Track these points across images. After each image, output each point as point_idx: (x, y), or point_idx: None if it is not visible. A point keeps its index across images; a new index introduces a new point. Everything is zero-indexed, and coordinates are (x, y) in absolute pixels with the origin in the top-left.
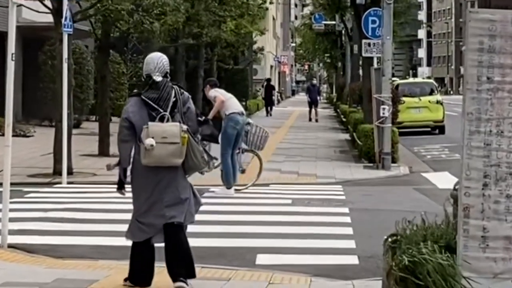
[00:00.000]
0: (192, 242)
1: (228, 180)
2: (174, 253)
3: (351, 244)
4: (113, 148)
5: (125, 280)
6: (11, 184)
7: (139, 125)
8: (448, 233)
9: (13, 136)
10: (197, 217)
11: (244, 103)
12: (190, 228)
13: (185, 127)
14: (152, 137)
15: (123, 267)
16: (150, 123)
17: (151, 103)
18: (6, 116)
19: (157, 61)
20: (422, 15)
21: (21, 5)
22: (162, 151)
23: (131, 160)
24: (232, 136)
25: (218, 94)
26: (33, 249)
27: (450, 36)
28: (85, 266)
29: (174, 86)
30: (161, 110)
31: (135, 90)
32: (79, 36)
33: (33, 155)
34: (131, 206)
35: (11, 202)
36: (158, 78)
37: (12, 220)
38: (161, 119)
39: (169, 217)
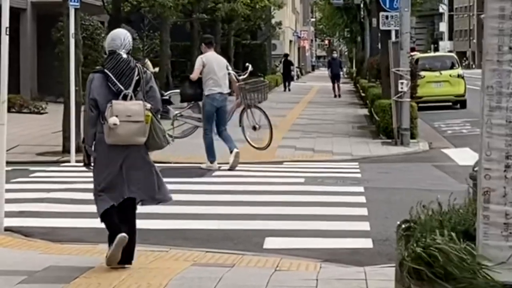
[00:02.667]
0: (197, 224)
1: (210, 154)
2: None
3: (365, 226)
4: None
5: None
6: (18, 163)
7: (102, 103)
8: (467, 219)
9: (26, 113)
10: (204, 197)
11: (262, 79)
12: (195, 210)
13: (148, 105)
14: (116, 116)
15: None
16: (114, 101)
17: (113, 78)
18: (1, 93)
19: (123, 38)
20: None
21: None
22: (126, 130)
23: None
24: (211, 113)
25: (197, 66)
26: (31, 233)
27: (471, 10)
28: (83, 251)
29: (137, 64)
30: (123, 88)
31: (97, 67)
32: (93, 11)
33: (44, 132)
34: None
35: (15, 182)
36: (123, 54)
37: (12, 201)
38: (124, 98)
39: (130, 194)
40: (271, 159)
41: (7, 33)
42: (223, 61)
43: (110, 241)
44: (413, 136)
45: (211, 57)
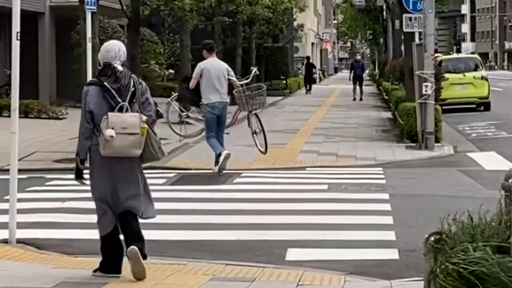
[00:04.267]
0: (216, 235)
1: (216, 149)
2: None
3: (391, 235)
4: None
5: (95, 271)
6: (34, 170)
7: (98, 115)
8: (500, 232)
9: (45, 118)
10: (223, 205)
11: (284, 82)
12: (214, 219)
13: (144, 117)
14: (112, 128)
15: None
16: (109, 113)
17: (113, 92)
18: (12, 100)
19: (117, 49)
20: None
21: None
22: (122, 142)
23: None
24: (212, 120)
25: (195, 75)
26: (44, 245)
27: (494, 11)
28: (97, 265)
29: (132, 76)
30: (120, 100)
31: (92, 79)
32: (113, 15)
33: (62, 138)
34: (158, 194)
35: (29, 191)
36: (119, 66)
37: (26, 211)
38: (120, 109)
39: (125, 207)
40: (293, 165)
41: (18, 38)
42: (223, 67)
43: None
44: (437, 140)
45: (210, 64)
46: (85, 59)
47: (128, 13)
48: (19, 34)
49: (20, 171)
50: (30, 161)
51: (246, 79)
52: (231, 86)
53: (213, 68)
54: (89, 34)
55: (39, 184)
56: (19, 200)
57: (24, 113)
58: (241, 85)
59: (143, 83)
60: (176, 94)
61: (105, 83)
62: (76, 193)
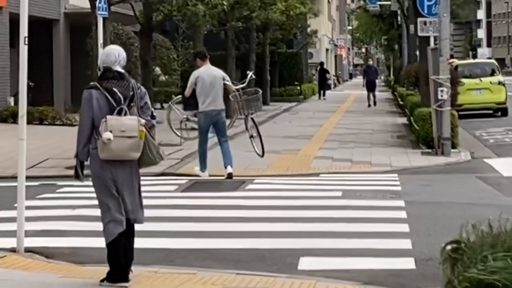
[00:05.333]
0: (227, 243)
1: (202, 163)
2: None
3: (407, 244)
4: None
5: (102, 281)
6: (46, 177)
7: (98, 118)
8: None
9: (59, 125)
10: (234, 213)
11: (298, 87)
12: (225, 227)
13: (143, 121)
14: (110, 131)
15: (148, 275)
16: (108, 116)
17: (112, 95)
18: (20, 106)
19: (117, 54)
20: None
21: None
22: (120, 145)
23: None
24: (205, 128)
25: (189, 84)
26: (53, 253)
27: (510, 16)
28: None
29: (131, 80)
30: (121, 103)
31: (91, 83)
32: (127, 21)
33: (75, 145)
34: (168, 201)
35: (40, 198)
36: (119, 71)
37: (36, 219)
38: (119, 113)
39: (129, 215)
40: (307, 171)
41: (26, 43)
42: (219, 74)
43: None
44: (454, 146)
45: (205, 73)
46: (97, 65)
47: (141, 19)
48: (26, 39)
49: (32, 178)
50: (42, 168)
51: (242, 83)
52: (227, 91)
53: (208, 76)
54: (100, 40)
55: (50, 191)
56: (29, 207)
57: (39, 120)
58: (237, 90)
59: (142, 87)
60: (177, 97)
61: (104, 87)
62: (86, 200)
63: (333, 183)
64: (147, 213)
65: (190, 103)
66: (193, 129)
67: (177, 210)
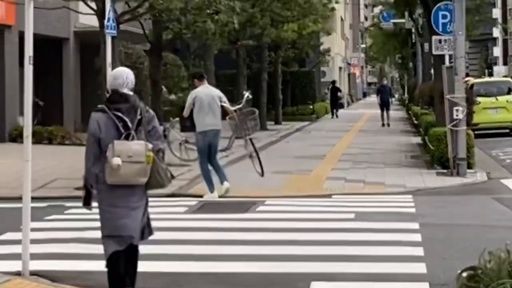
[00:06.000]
0: (236, 266)
1: (208, 185)
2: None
3: (421, 268)
4: (169, 156)
5: None
6: (54, 198)
7: (105, 142)
8: None
9: (69, 145)
10: (244, 235)
11: (311, 107)
12: (235, 250)
13: (150, 145)
14: (118, 156)
15: None
16: (115, 141)
17: (119, 119)
18: (25, 127)
19: (125, 77)
20: (497, 13)
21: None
22: (128, 170)
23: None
24: (204, 148)
25: (187, 104)
26: (59, 277)
27: None
28: None
29: (140, 103)
30: (128, 127)
31: (99, 105)
32: (137, 40)
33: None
34: (177, 223)
35: (47, 220)
36: (126, 93)
37: (42, 241)
38: (127, 137)
39: (132, 238)
40: (319, 192)
41: (31, 62)
42: (216, 94)
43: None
44: (469, 166)
45: (202, 93)
46: (105, 85)
47: (150, 37)
48: (31, 58)
49: (40, 198)
50: (51, 189)
51: (239, 104)
52: (224, 112)
53: (205, 96)
54: (109, 59)
55: (58, 212)
56: (36, 229)
57: (48, 139)
58: (234, 111)
59: (150, 111)
60: (175, 119)
61: (112, 110)
62: (95, 222)
63: (346, 205)
64: (155, 235)
65: (188, 124)
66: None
67: (186, 233)
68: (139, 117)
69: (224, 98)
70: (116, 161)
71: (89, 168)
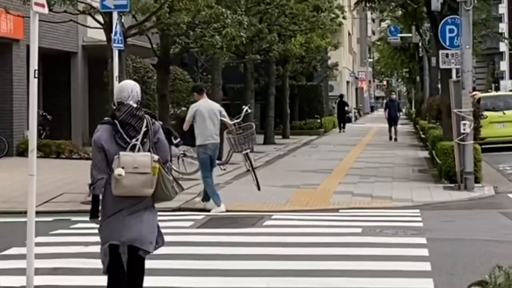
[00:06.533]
0: (244, 282)
1: (215, 199)
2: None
3: (428, 283)
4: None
5: None
6: (60, 212)
7: (110, 154)
8: None
9: (76, 159)
10: (252, 250)
11: (318, 120)
12: (242, 265)
13: (156, 157)
14: (123, 167)
15: None
16: (121, 152)
17: (125, 131)
18: (30, 141)
19: (131, 89)
20: (503, 27)
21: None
22: (133, 181)
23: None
24: (206, 161)
25: (188, 117)
26: None
27: None
28: None
29: (145, 115)
30: (132, 139)
31: (106, 118)
32: (146, 54)
33: None
34: (184, 238)
35: (53, 234)
36: (132, 105)
37: (47, 256)
38: (132, 149)
39: (135, 242)
40: (326, 206)
41: (36, 75)
42: (216, 108)
43: None
44: (477, 180)
45: (203, 106)
46: (112, 98)
47: (158, 51)
48: (36, 72)
49: (46, 213)
50: (57, 203)
51: (237, 118)
52: (223, 126)
53: (206, 110)
54: (116, 72)
55: (64, 227)
56: (42, 244)
57: (56, 153)
58: (233, 125)
59: (156, 123)
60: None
61: (117, 122)
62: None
63: (353, 219)
64: (161, 250)
65: (187, 137)
66: (194, 158)
67: (192, 248)
68: (144, 129)
69: (224, 112)
70: (119, 171)
71: (94, 176)
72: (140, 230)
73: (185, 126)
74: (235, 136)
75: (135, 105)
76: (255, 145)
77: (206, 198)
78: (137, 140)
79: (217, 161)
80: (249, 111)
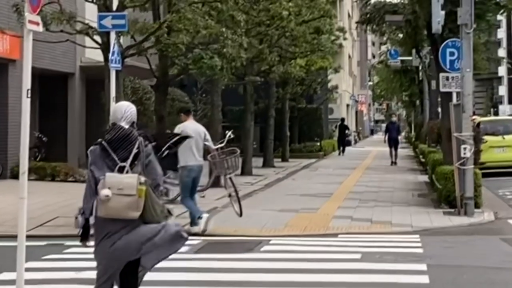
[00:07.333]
0: None
1: (196, 213)
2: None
3: None
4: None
5: None
6: (53, 237)
7: (99, 175)
8: None
9: (71, 181)
10: (248, 277)
11: (318, 143)
12: None
13: (143, 179)
14: (109, 188)
15: None
16: (107, 174)
17: (115, 152)
18: (21, 163)
19: (124, 110)
20: (502, 52)
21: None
22: (117, 203)
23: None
24: (188, 183)
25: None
26: None
27: None
28: None
29: (139, 137)
30: (120, 161)
31: (99, 140)
32: (144, 75)
33: None
34: (180, 264)
35: (45, 260)
36: (124, 126)
37: (38, 282)
38: (121, 170)
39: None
40: (325, 231)
41: (29, 95)
42: (201, 130)
43: None
44: (477, 205)
45: (190, 127)
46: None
47: (156, 72)
48: (29, 91)
49: (39, 237)
50: (51, 227)
51: (221, 143)
52: (206, 151)
53: (192, 131)
54: (113, 93)
55: (57, 251)
56: (33, 269)
57: (51, 176)
58: (216, 149)
59: (149, 145)
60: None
61: (105, 144)
62: (93, 262)
63: (352, 245)
64: (157, 276)
65: (169, 161)
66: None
67: (188, 274)
68: (135, 150)
69: (208, 136)
70: (104, 192)
71: (84, 201)
72: (129, 243)
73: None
74: (218, 160)
75: (127, 126)
76: (238, 169)
77: (195, 222)
78: (126, 162)
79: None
80: (232, 136)
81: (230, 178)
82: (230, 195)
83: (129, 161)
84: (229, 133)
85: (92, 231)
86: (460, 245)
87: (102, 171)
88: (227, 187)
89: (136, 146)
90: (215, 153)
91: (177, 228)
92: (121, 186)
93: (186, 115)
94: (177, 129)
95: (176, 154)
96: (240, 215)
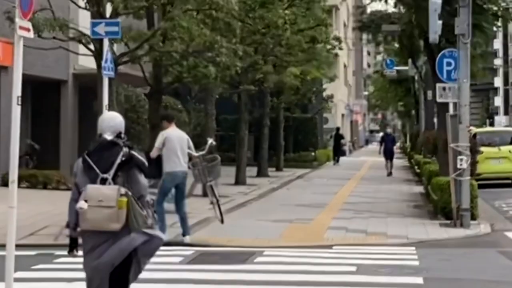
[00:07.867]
0: None
1: (161, 222)
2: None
3: None
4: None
5: None
6: (44, 246)
7: (81, 186)
8: None
9: (63, 189)
10: None
11: (313, 153)
12: None
13: (123, 190)
14: (86, 200)
15: None
16: (89, 185)
17: (96, 164)
18: (11, 171)
19: (109, 120)
20: (498, 63)
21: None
22: (97, 215)
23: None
24: (168, 189)
25: (157, 144)
26: None
27: None
28: None
29: (124, 147)
30: (105, 172)
31: (86, 151)
32: (138, 83)
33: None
34: (172, 275)
35: (35, 269)
36: (107, 138)
37: None
38: (103, 182)
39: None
40: (320, 242)
41: (19, 103)
42: (184, 137)
43: None
44: (473, 217)
45: (173, 134)
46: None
47: (150, 80)
48: (19, 98)
49: (29, 246)
50: (41, 236)
51: (202, 150)
52: (188, 158)
53: (176, 137)
54: (105, 101)
55: (47, 261)
56: (22, 279)
57: (43, 184)
58: (197, 157)
59: (135, 157)
60: None
61: (86, 155)
62: (83, 273)
63: (347, 257)
64: (149, 287)
65: (152, 168)
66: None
67: (181, 285)
68: (118, 161)
69: (191, 143)
70: (80, 204)
71: (69, 212)
72: (115, 251)
73: (154, 153)
74: (199, 168)
75: (110, 138)
76: (219, 177)
77: (187, 232)
78: (108, 173)
79: None
80: (214, 143)
81: (211, 186)
82: (211, 203)
83: (111, 172)
84: (210, 141)
85: (80, 241)
86: (457, 258)
87: (84, 183)
88: (209, 195)
89: (120, 157)
90: (196, 160)
91: (148, 235)
92: (101, 197)
93: (169, 122)
94: (160, 136)
95: (160, 162)
96: (222, 222)
